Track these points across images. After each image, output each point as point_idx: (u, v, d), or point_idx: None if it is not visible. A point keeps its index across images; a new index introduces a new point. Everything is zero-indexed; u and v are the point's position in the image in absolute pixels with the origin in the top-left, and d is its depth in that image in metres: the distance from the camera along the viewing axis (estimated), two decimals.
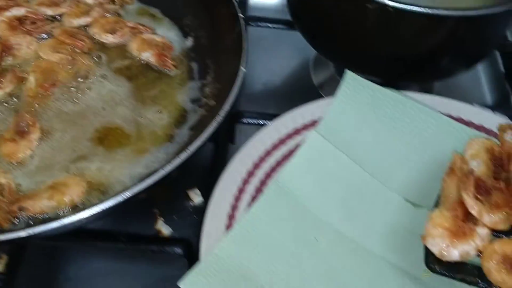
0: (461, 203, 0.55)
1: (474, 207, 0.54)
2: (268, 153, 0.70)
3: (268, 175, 0.69)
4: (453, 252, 0.54)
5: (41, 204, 0.64)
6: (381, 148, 0.71)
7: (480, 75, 1.05)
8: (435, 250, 0.54)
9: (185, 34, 0.87)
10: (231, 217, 0.64)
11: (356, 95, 0.73)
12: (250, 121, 0.84)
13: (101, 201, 0.58)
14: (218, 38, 0.83)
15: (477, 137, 0.65)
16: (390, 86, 0.77)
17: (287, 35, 1.03)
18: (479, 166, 0.60)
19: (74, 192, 0.66)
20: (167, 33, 0.87)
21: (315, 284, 0.61)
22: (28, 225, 0.62)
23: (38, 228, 0.55)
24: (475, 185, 0.55)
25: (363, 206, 0.68)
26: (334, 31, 0.77)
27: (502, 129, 0.64)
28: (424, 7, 0.64)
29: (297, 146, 0.71)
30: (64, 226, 0.56)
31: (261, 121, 0.83)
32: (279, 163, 0.70)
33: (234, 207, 0.65)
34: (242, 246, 0.61)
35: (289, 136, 0.72)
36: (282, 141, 0.71)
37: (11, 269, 0.55)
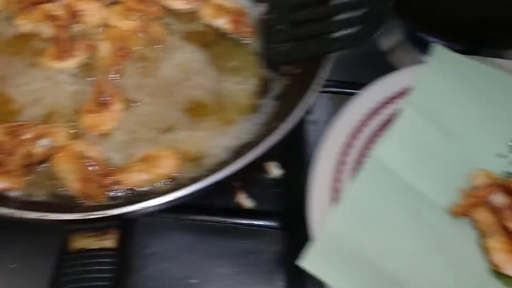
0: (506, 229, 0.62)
1: None
2: (363, 124, 0.68)
3: (366, 147, 0.67)
4: None
5: (135, 178, 0.62)
6: (472, 120, 0.70)
7: None
8: None
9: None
10: (335, 190, 0.62)
11: (444, 67, 0.72)
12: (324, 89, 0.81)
13: (206, 174, 0.57)
14: None
15: (477, 171, 0.67)
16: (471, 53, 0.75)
17: None
18: (500, 198, 0.64)
19: (168, 164, 0.64)
20: None
21: (429, 257, 0.60)
22: (128, 200, 0.60)
23: (149, 202, 0.54)
24: None
25: (456, 178, 0.66)
26: None
27: None
28: None
29: (390, 116, 0.69)
30: (176, 200, 0.54)
31: (332, 89, 0.80)
32: (375, 134, 0.68)
33: (336, 180, 0.63)
34: (350, 222, 0.60)
35: (382, 105, 0.70)
36: (375, 111, 0.69)
37: (122, 244, 0.53)
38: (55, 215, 0.52)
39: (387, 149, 0.66)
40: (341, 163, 0.65)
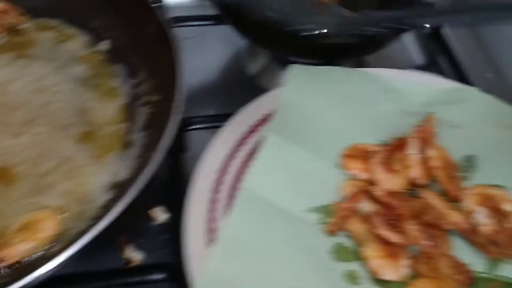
0: (378, 236, 0.63)
1: (393, 238, 0.62)
2: (230, 157, 0.69)
3: (237, 180, 0.67)
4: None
5: (18, 249, 0.59)
6: (339, 127, 0.73)
7: (409, 40, 1.04)
8: (393, 277, 0.60)
9: (98, 37, 0.82)
10: (211, 231, 0.62)
11: (301, 83, 0.74)
12: (194, 126, 0.82)
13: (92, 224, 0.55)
14: (138, 32, 0.78)
15: (347, 181, 0.69)
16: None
17: (211, 30, 1.00)
18: (367, 206, 0.66)
19: (49, 225, 0.62)
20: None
21: (307, 279, 0.61)
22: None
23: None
24: (381, 222, 0.63)
25: (329, 194, 0.68)
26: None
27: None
28: None
29: (256, 144, 0.70)
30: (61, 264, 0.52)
31: (202, 125, 0.82)
32: (244, 166, 0.69)
33: (211, 220, 0.63)
34: (229, 261, 0.60)
35: (247, 135, 0.71)
36: (241, 143, 0.70)
37: None
38: None
39: (256, 178, 0.66)
40: (213, 201, 0.65)
